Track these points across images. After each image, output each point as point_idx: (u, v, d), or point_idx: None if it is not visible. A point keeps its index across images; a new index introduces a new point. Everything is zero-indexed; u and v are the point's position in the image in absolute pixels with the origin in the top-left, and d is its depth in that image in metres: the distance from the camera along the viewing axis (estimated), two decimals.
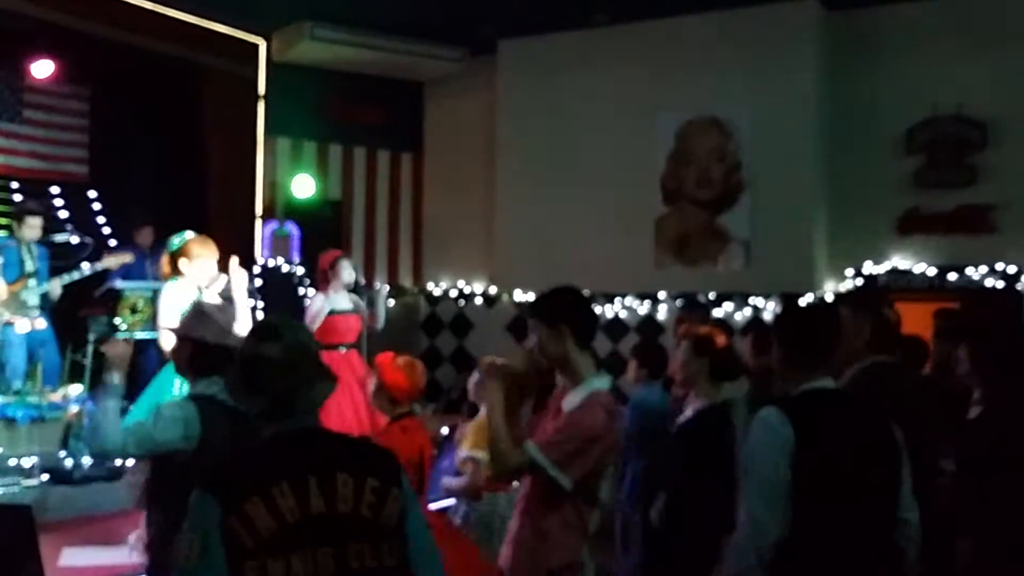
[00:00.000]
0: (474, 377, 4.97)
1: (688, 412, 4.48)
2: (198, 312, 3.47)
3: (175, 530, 2.18)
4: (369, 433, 5.75)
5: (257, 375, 2.23)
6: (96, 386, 7.32)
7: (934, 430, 3.91)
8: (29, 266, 7.41)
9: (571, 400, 3.15)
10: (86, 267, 7.47)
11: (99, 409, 3.31)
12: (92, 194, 9.57)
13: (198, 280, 5.66)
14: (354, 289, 7.33)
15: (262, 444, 2.22)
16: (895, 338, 4.08)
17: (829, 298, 9.10)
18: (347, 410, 6.67)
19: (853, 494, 2.72)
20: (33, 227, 7.53)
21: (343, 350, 7.13)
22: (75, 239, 7.87)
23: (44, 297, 7.50)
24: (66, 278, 7.46)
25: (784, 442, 2.69)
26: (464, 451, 4.71)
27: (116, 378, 3.42)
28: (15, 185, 9.13)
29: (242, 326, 5.64)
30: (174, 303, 5.44)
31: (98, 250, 7.88)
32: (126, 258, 7.85)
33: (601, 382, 3.18)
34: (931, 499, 3.27)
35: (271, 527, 2.03)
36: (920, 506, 2.93)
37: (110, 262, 7.67)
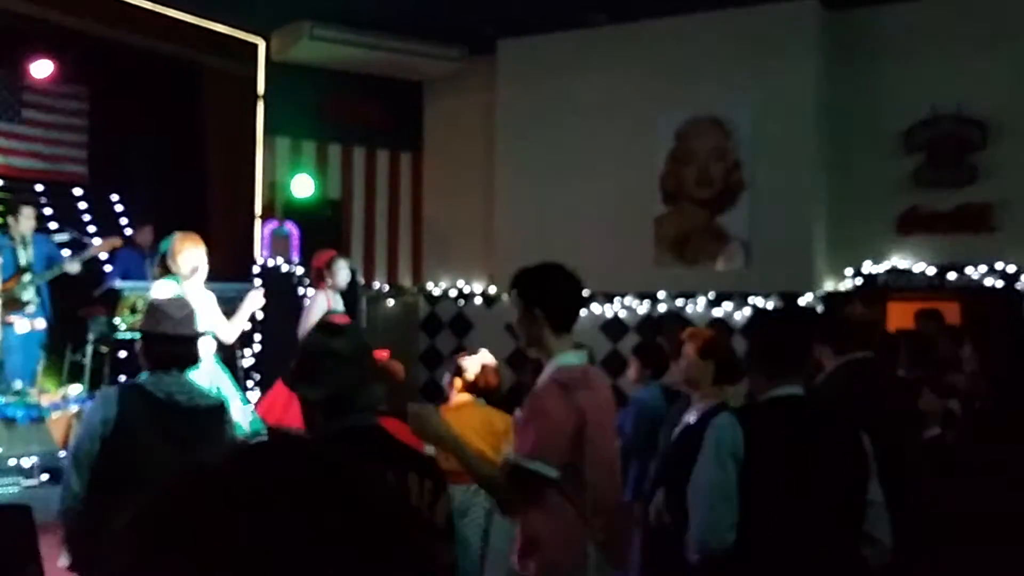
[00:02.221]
0: (447, 376, 5.00)
1: (693, 414, 4.44)
2: (152, 309, 3.64)
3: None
4: None
5: (322, 367, 2.34)
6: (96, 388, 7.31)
7: (909, 427, 3.92)
8: (23, 261, 7.40)
9: (539, 382, 3.08)
10: (76, 264, 7.44)
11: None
12: (92, 194, 9.56)
13: (184, 273, 5.76)
14: (352, 289, 7.32)
15: (332, 439, 2.30)
16: (864, 335, 4.06)
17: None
18: None
19: (806, 504, 2.70)
20: (28, 218, 7.52)
21: None
22: (67, 236, 7.87)
23: (48, 287, 7.47)
24: (79, 257, 7.45)
25: (733, 448, 2.70)
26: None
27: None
28: (14, 185, 9.12)
29: (229, 336, 5.88)
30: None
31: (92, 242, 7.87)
32: (116, 242, 7.82)
33: (569, 358, 3.06)
34: (910, 500, 3.28)
35: None
36: (900, 506, 2.91)
37: (101, 248, 7.63)
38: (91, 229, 8.85)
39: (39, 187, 9.21)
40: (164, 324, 3.48)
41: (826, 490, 2.74)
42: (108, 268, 8.40)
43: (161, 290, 5.65)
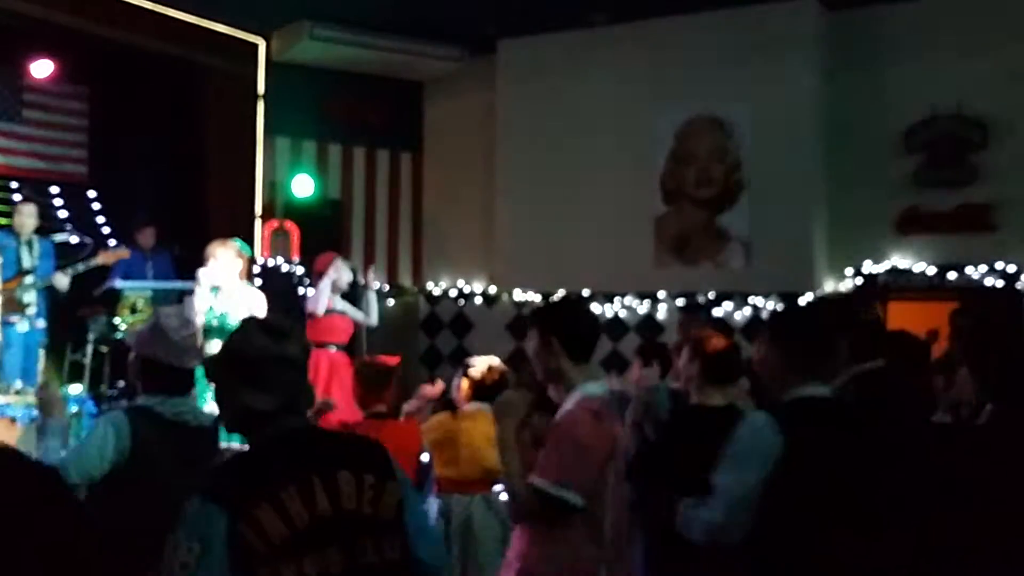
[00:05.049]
0: (457, 378, 5.00)
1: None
2: (154, 328, 3.37)
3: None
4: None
5: (273, 373, 2.20)
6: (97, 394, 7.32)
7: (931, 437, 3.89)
8: (27, 263, 7.39)
9: (562, 411, 3.08)
10: (65, 280, 7.43)
11: (40, 449, 3.32)
12: (92, 194, 9.57)
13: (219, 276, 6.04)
14: (352, 291, 7.34)
15: (262, 448, 2.21)
16: (881, 342, 4.01)
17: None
18: None
19: (843, 504, 2.60)
20: (28, 215, 7.49)
21: (332, 349, 7.15)
22: (74, 239, 7.86)
23: (44, 293, 7.47)
24: (70, 271, 7.44)
25: (771, 450, 2.60)
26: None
27: (55, 421, 3.40)
28: (15, 185, 9.12)
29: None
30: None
31: (97, 250, 7.88)
32: (123, 254, 7.83)
33: (592, 387, 3.08)
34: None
35: (283, 533, 2.02)
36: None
37: (107, 258, 7.64)
38: (90, 229, 8.84)
39: (53, 188, 9.24)
40: (167, 352, 3.29)
41: (864, 490, 2.65)
42: None
43: (198, 296, 5.92)
